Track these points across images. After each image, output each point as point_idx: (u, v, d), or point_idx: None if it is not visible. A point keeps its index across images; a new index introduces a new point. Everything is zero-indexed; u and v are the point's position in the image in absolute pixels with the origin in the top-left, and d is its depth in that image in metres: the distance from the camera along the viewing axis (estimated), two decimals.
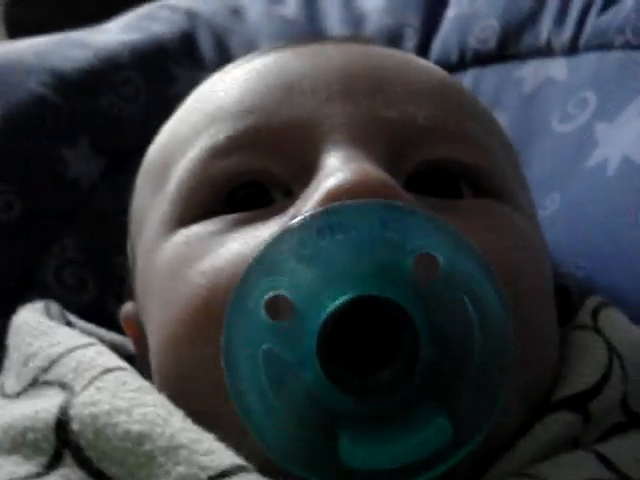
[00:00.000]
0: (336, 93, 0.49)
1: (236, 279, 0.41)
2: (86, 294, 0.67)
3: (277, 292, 0.39)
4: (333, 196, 0.42)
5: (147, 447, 0.40)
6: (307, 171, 0.46)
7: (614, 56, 0.66)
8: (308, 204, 0.43)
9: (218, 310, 0.42)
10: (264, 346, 0.39)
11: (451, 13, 0.78)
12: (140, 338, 0.53)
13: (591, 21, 0.68)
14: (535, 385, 0.46)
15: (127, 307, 0.56)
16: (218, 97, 0.52)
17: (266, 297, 0.39)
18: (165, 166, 0.52)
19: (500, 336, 0.40)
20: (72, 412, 0.42)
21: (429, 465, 0.39)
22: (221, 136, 0.49)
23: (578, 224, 0.61)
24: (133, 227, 0.56)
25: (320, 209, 0.41)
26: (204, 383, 0.43)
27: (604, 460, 0.44)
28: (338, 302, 0.38)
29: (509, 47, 0.73)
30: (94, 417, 0.41)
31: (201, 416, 0.42)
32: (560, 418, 0.45)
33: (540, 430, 0.45)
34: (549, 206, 0.64)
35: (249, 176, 0.48)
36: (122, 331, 0.58)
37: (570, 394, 0.46)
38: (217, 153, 0.49)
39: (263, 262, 0.40)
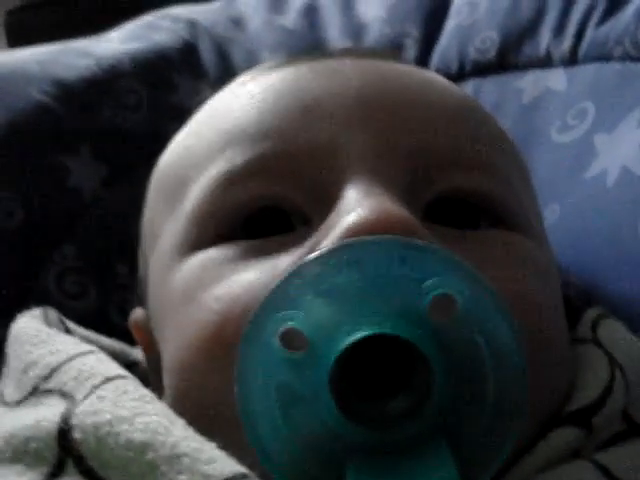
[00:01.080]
0: (355, 120, 0.48)
1: (251, 307, 0.41)
2: (87, 301, 0.67)
3: (292, 325, 0.39)
4: (352, 234, 0.42)
5: (150, 456, 0.40)
6: (326, 201, 0.46)
7: (613, 67, 0.66)
8: (327, 240, 0.43)
9: (231, 337, 0.42)
10: (278, 377, 0.39)
11: (451, 24, 0.78)
12: (149, 343, 0.53)
13: (590, 32, 0.69)
14: (547, 408, 0.46)
15: (137, 312, 0.56)
16: (234, 115, 0.51)
17: (282, 329, 0.39)
18: (180, 184, 0.52)
19: (514, 380, 0.40)
20: (74, 421, 0.42)
21: None
22: (238, 160, 0.48)
23: (578, 235, 0.61)
24: (146, 240, 0.56)
25: (338, 244, 0.41)
26: (213, 408, 0.44)
27: (603, 469, 0.44)
28: (352, 338, 0.38)
29: (508, 58, 0.74)
30: (96, 426, 0.41)
31: (209, 435, 0.42)
32: (564, 433, 0.45)
33: (545, 447, 0.45)
34: (549, 217, 0.64)
35: (266, 201, 0.48)
36: (122, 338, 0.58)
37: (574, 409, 0.46)
38: (234, 178, 0.48)
39: (279, 295, 0.40)
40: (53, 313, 0.54)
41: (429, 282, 0.39)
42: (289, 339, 0.39)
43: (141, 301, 0.57)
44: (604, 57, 0.67)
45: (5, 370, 0.50)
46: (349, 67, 0.54)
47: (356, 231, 0.42)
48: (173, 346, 0.47)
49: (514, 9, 0.73)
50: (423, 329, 0.39)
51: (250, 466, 0.41)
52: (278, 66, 0.56)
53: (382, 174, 0.46)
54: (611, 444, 0.47)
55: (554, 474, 0.44)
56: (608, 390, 0.47)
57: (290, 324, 0.39)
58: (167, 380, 0.48)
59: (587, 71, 0.68)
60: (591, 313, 0.53)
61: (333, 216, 0.45)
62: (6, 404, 0.47)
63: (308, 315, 0.39)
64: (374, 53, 0.65)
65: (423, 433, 0.39)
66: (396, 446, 0.39)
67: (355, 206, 0.44)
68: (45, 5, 1.74)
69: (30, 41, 0.80)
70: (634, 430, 0.48)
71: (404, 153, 0.48)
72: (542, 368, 0.43)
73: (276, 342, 0.39)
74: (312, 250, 0.44)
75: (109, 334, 0.58)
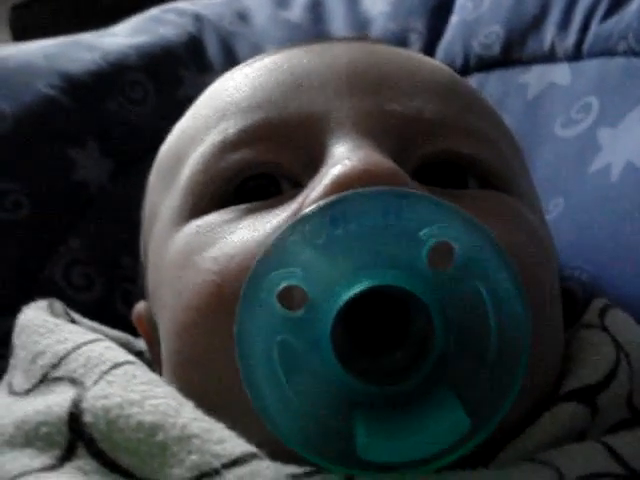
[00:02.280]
0: (343, 88, 0.50)
1: (247, 265, 0.41)
2: (93, 293, 0.68)
3: (290, 282, 0.39)
4: (342, 183, 0.42)
5: (160, 437, 0.41)
6: (315, 163, 0.47)
7: (617, 62, 0.66)
8: (316, 191, 0.44)
9: (230, 296, 0.42)
10: (279, 337, 0.39)
11: (455, 19, 0.79)
12: (151, 335, 0.53)
13: (594, 27, 0.69)
14: (541, 373, 0.46)
15: (140, 305, 0.57)
16: (229, 93, 0.53)
17: (279, 288, 0.39)
18: (176, 161, 0.53)
19: (517, 326, 0.39)
20: (84, 405, 0.43)
21: (441, 455, 0.39)
22: (231, 130, 0.50)
23: (582, 228, 0.62)
24: (146, 224, 0.57)
25: (332, 198, 0.40)
26: (216, 368, 0.44)
27: (611, 451, 0.44)
28: (353, 292, 0.38)
29: (513, 53, 0.74)
30: (106, 409, 0.42)
31: (211, 403, 0.43)
32: (568, 408, 0.46)
33: (548, 418, 0.45)
34: (553, 210, 0.64)
35: (258, 168, 0.49)
36: (127, 330, 0.59)
37: (578, 387, 0.47)
38: (227, 147, 0.49)
39: (275, 252, 0.39)
40: (59, 305, 0.54)
41: (426, 231, 0.39)
42: (288, 297, 0.39)
43: (144, 293, 0.57)
44: (608, 52, 0.67)
45: (12, 361, 0.51)
46: (339, 47, 0.55)
47: (344, 181, 0.43)
48: (172, 313, 0.48)
49: (519, 4, 0.74)
50: (422, 279, 0.38)
51: (258, 444, 0.41)
52: (271, 53, 0.57)
53: (370, 136, 0.47)
54: (617, 430, 0.47)
55: (566, 452, 0.44)
56: (613, 372, 0.48)
57: (288, 282, 0.39)
58: (165, 350, 0.49)
59: (591, 66, 0.68)
60: (599, 302, 0.54)
61: (322, 171, 0.46)
62: (15, 394, 0.48)
63: (306, 271, 0.39)
64: (362, 38, 0.66)
65: (427, 384, 0.39)
66: (405, 398, 0.39)
67: (343, 159, 0.45)
68: (49, 1, 1.75)
69: (34, 37, 0.81)
70: (638, 419, 0.48)
71: (392, 118, 0.49)
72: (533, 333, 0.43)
73: (275, 301, 0.39)
74: (302, 206, 0.45)
75: (114, 326, 0.58)
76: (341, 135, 0.47)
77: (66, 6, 1.69)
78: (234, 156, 0.49)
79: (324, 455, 0.40)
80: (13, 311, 0.54)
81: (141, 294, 0.59)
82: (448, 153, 0.49)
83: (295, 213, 0.45)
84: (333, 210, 0.39)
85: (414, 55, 0.59)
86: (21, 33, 1.70)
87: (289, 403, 0.39)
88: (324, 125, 0.48)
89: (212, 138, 0.50)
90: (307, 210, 0.40)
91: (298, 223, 0.40)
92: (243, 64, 0.58)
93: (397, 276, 0.38)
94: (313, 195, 0.44)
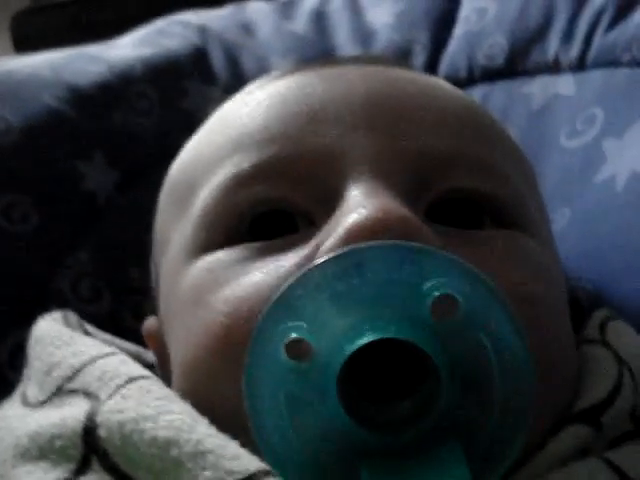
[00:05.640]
0: (359, 122, 0.49)
1: (257, 309, 0.42)
2: (101, 305, 0.68)
3: (296, 335, 0.39)
4: (354, 233, 0.43)
5: (174, 453, 0.41)
6: (330, 202, 0.47)
7: (621, 73, 0.67)
8: (329, 241, 0.44)
9: (239, 338, 0.42)
10: (286, 388, 0.40)
11: (459, 30, 0.79)
12: (161, 352, 0.53)
13: (598, 38, 0.70)
14: (553, 406, 0.46)
15: (150, 321, 0.57)
16: (242, 122, 0.52)
17: (286, 340, 0.39)
18: (189, 189, 0.53)
19: (521, 376, 0.40)
20: (99, 419, 0.43)
21: None
22: (245, 164, 0.49)
23: (588, 238, 0.62)
24: (157, 246, 0.57)
25: (337, 252, 0.41)
26: (222, 409, 0.44)
27: (614, 467, 0.44)
28: (356, 345, 0.38)
29: (517, 64, 0.74)
30: (121, 424, 0.42)
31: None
32: (574, 431, 0.46)
33: (555, 444, 0.45)
34: (559, 220, 0.64)
35: (273, 204, 0.48)
36: (136, 341, 0.59)
37: (583, 408, 0.47)
38: (241, 181, 0.49)
39: (282, 304, 0.40)
40: (73, 316, 0.54)
41: (429, 284, 0.39)
42: (295, 349, 0.39)
43: (154, 309, 0.57)
44: (612, 63, 0.68)
45: (27, 372, 0.51)
46: (354, 73, 0.54)
47: (357, 231, 0.43)
48: (183, 348, 0.48)
49: (522, 15, 0.74)
50: (426, 330, 0.39)
51: None
52: (285, 74, 0.56)
53: (385, 176, 0.47)
54: (620, 443, 0.47)
55: (567, 472, 0.44)
56: (617, 389, 0.48)
57: (294, 335, 0.39)
58: (176, 382, 0.49)
59: (595, 77, 0.69)
60: (599, 315, 0.54)
61: (336, 216, 0.46)
62: (29, 405, 0.48)
63: (312, 324, 0.39)
64: (379, 60, 0.66)
65: (433, 434, 0.39)
66: (409, 448, 0.39)
67: (357, 206, 0.44)
68: (50, 9, 1.75)
69: (36, 45, 0.81)
70: None
71: (407, 155, 0.48)
72: (546, 367, 0.44)
73: (282, 353, 0.39)
74: (316, 250, 0.45)
75: (123, 337, 0.58)
76: (356, 176, 0.47)
77: (67, 15, 1.69)
78: (247, 191, 0.49)
79: None
80: (21, 323, 0.54)
81: (150, 308, 0.59)
82: (464, 190, 0.49)
83: (308, 258, 0.45)
84: (336, 265, 0.40)
85: (432, 82, 0.58)
86: (22, 42, 1.70)
87: (296, 451, 0.40)
88: (340, 164, 0.48)
89: (225, 171, 0.50)
90: (311, 265, 0.41)
91: (303, 277, 0.40)
92: (255, 86, 0.57)
93: (401, 329, 0.39)
94: (327, 244, 0.44)
